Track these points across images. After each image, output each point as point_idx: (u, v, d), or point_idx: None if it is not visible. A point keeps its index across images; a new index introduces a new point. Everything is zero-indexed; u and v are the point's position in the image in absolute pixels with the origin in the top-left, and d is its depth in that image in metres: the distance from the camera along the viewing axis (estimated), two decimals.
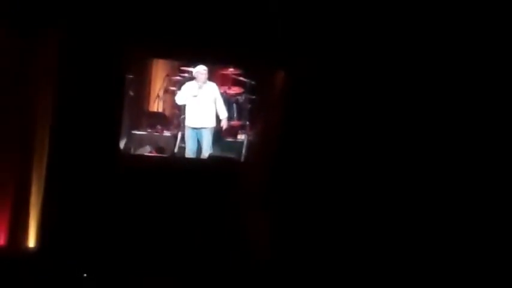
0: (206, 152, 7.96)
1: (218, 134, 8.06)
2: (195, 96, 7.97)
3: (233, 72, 8.26)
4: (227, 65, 8.22)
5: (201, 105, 7.99)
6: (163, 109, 8.39)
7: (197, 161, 7.96)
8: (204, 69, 7.97)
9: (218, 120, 8.06)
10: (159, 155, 8.04)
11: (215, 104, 8.04)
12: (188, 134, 8.02)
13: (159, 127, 8.17)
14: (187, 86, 8.03)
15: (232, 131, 8.20)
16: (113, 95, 7.61)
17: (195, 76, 8.01)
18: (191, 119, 8.00)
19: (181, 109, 8.12)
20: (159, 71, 8.45)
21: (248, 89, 8.14)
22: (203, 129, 8.00)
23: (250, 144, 7.23)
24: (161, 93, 8.30)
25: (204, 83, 7.99)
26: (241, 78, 8.21)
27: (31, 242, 7.41)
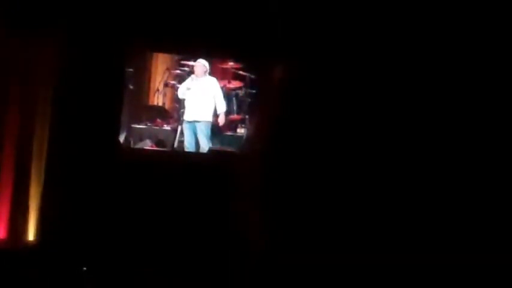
0: (204, 145, 7.99)
1: (217, 128, 8.09)
2: (189, 89, 8.02)
3: (233, 67, 8.28)
4: (227, 59, 8.25)
5: (196, 98, 8.03)
6: (163, 103, 8.42)
7: (197, 155, 8.00)
8: (199, 62, 8.01)
9: (216, 114, 8.12)
10: (159, 148, 8.09)
11: (214, 98, 8.07)
12: (185, 127, 8.07)
13: (158, 121, 8.19)
14: (186, 80, 8.09)
15: (232, 124, 8.23)
16: (113, 88, 7.63)
17: (194, 69, 8.08)
18: (187, 113, 8.07)
19: (180, 103, 8.16)
20: (159, 65, 8.47)
21: (248, 83, 8.16)
22: (197, 123, 8.03)
23: (247, 137, 7.24)
24: (161, 87, 8.33)
25: (202, 76, 8.02)
26: (241, 72, 8.23)
27: (31, 236, 7.47)
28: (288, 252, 0.88)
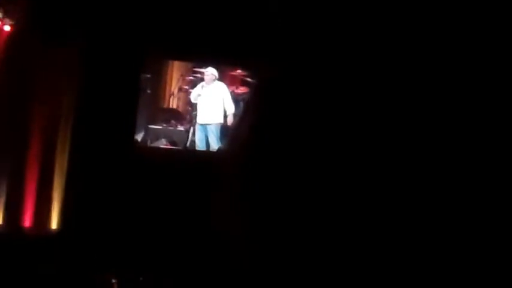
0: (214, 144, 8.35)
1: (227, 129, 8.39)
2: (199, 95, 8.40)
3: (241, 74, 8.53)
4: (235, 66, 8.51)
5: (206, 103, 8.39)
6: (177, 106, 8.69)
7: (207, 153, 8.33)
8: (207, 71, 8.37)
9: (226, 116, 8.44)
10: (173, 147, 8.42)
11: (223, 102, 8.41)
12: (197, 128, 8.44)
13: (173, 122, 8.49)
14: (197, 87, 8.46)
15: None
16: (131, 92, 8.07)
17: (204, 77, 8.42)
18: (199, 116, 8.44)
19: (193, 106, 8.50)
20: (174, 72, 8.70)
21: None
22: (208, 125, 8.40)
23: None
24: (175, 92, 8.60)
25: (211, 83, 8.38)
26: (248, 79, 8.45)
27: (54, 224, 7.93)
28: (280, 252, 0.79)
